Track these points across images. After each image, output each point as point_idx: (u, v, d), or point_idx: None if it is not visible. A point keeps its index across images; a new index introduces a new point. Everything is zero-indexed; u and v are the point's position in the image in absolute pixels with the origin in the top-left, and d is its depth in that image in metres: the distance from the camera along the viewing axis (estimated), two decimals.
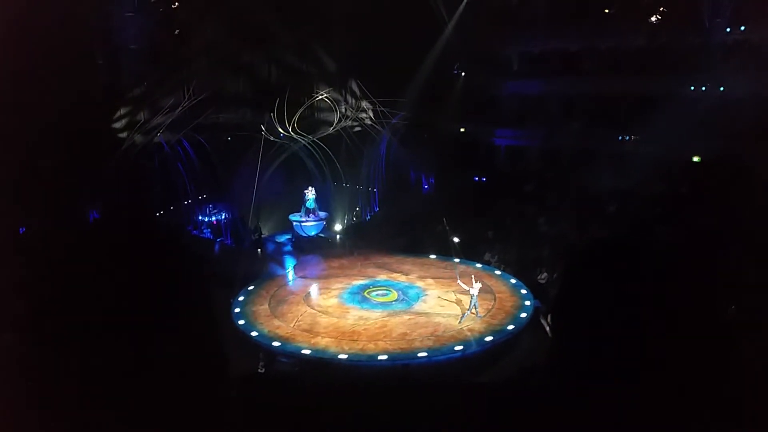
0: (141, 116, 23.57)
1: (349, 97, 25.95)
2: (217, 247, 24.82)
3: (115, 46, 23.08)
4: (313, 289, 20.73)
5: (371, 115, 26.43)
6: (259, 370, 15.44)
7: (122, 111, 23.23)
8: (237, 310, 18.83)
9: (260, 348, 16.53)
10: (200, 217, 26.80)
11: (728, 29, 23.79)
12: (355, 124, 26.29)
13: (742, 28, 23.63)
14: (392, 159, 27.94)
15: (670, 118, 24.40)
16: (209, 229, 26.52)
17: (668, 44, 24.99)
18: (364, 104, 25.94)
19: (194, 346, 14.40)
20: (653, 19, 25.66)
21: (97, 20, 22.24)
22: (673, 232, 20.79)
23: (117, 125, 22.87)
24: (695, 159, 24.50)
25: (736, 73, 23.41)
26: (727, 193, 21.50)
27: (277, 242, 25.81)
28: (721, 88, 24.01)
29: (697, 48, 24.30)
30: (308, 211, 25.54)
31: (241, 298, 19.74)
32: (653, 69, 25.47)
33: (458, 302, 18.84)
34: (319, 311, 18.69)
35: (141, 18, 23.19)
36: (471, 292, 17.50)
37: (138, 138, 23.39)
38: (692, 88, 24.63)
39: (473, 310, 17.58)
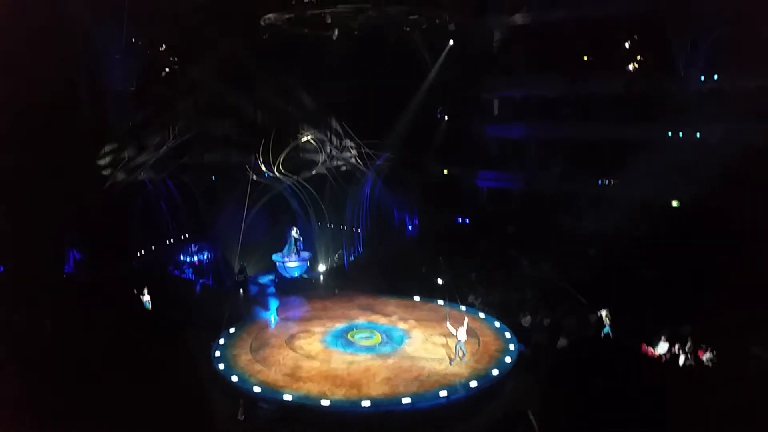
0: (125, 155, 23.52)
1: (333, 138, 26.20)
2: (198, 287, 24.50)
3: (100, 87, 23.19)
4: (294, 330, 20.44)
5: (356, 155, 26.64)
6: (239, 417, 15.12)
7: (106, 150, 23.17)
8: (217, 354, 18.49)
9: (240, 394, 16.18)
10: (182, 257, 26.51)
11: (702, 78, 24.56)
12: (340, 163, 26.45)
13: (716, 77, 24.42)
14: (376, 200, 28.07)
15: (648, 163, 25.04)
16: (191, 269, 26.22)
17: (645, 92, 25.71)
18: (349, 144, 26.18)
19: (174, 392, 14.08)
20: (630, 67, 26.38)
21: (83, 61, 22.39)
22: (652, 274, 21.22)
23: (101, 163, 22.78)
24: (674, 203, 24.98)
25: (711, 120, 24.12)
26: (706, 236, 22.00)
27: (259, 283, 25.54)
28: (698, 134, 24.65)
29: (673, 95, 25.02)
30: (292, 252, 25.44)
31: (222, 341, 19.40)
32: (631, 115, 26.14)
33: (444, 345, 18.71)
34: (302, 355, 18.42)
35: (128, 60, 23.39)
36: (458, 337, 17.39)
37: (121, 176, 23.29)
38: (669, 134, 25.25)
39: (460, 355, 17.44)
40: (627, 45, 26.78)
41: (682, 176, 24.32)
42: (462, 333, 17.31)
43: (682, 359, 16.37)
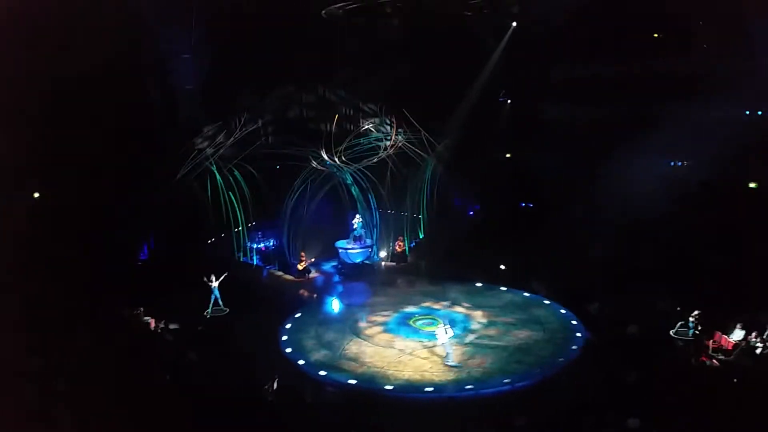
0: (195, 148, 24.46)
1: (395, 126, 26.20)
2: (265, 273, 25.32)
3: (170, 86, 24.23)
4: (361, 316, 20.83)
5: (416, 142, 26.58)
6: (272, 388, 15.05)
7: (177, 143, 24.19)
8: (284, 338, 19.09)
9: (306, 377, 16.67)
10: (249, 244, 27.39)
11: None
12: (400, 151, 26.47)
13: None
14: (438, 186, 28.00)
15: (723, 143, 23.79)
16: (258, 256, 27.10)
17: (722, 69, 24.38)
18: (409, 132, 26.15)
19: (241, 373, 14.65)
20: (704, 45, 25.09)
21: (152, 61, 23.44)
22: (724, 260, 20.22)
23: (172, 156, 23.81)
24: (752, 185, 23.69)
25: None
26: None
27: (323, 270, 26.10)
28: None
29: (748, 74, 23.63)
30: (355, 239, 25.80)
31: (288, 326, 20.01)
32: (705, 94, 24.84)
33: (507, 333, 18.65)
34: (365, 340, 18.76)
35: (196, 59, 24.27)
36: (441, 341, 17.06)
37: (191, 168, 24.26)
38: (747, 113, 23.90)
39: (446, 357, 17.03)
40: (700, 23, 25.44)
41: (760, 157, 23.07)
42: (443, 336, 16.96)
43: (759, 347, 15.64)
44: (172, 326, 19.16)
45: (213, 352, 17.02)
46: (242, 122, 24.87)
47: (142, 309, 18.94)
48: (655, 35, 27.51)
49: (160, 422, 11.77)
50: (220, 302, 21.02)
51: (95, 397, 11.90)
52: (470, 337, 18.65)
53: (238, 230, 26.28)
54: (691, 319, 17.27)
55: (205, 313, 20.71)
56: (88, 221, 19.95)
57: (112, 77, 20.27)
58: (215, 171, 24.78)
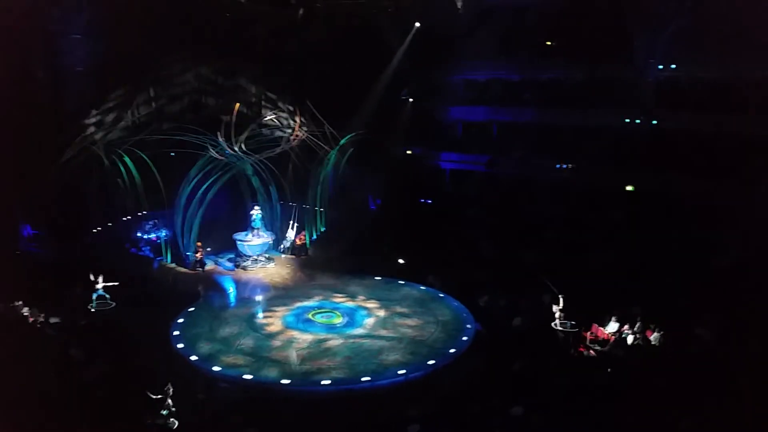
0: (82, 131, 22.93)
1: (297, 118, 25.94)
2: (155, 265, 24.17)
3: (59, 66, 22.57)
4: (258, 310, 20.51)
5: (320, 135, 26.50)
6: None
7: (62, 126, 22.55)
8: (176, 332, 18.40)
9: (200, 374, 16.18)
10: (139, 235, 26.05)
11: (660, 66, 25.22)
12: (303, 144, 26.25)
13: (673, 66, 25.12)
14: (340, 179, 28.09)
15: (604, 148, 25.78)
16: (148, 247, 25.78)
17: (604, 78, 26.32)
18: (313, 125, 26.02)
19: (134, 372, 13.98)
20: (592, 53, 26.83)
21: (40, 39, 21.73)
22: (606, 257, 21.96)
23: (57, 140, 22.17)
24: (628, 188, 25.76)
25: (667, 108, 24.92)
26: (658, 222, 22.88)
27: (219, 262, 25.33)
28: (654, 122, 25.38)
29: (631, 83, 25.69)
30: (253, 231, 25.22)
31: (180, 320, 19.29)
32: (590, 101, 26.71)
33: (401, 324, 19.09)
34: (263, 335, 18.49)
35: (88, 40, 22.73)
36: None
37: (77, 152, 22.72)
38: (626, 120, 25.92)
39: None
40: (589, 31, 27.17)
41: (636, 162, 25.17)
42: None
43: (630, 339, 17.06)
44: (52, 320, 17.85)
45: (98, 348, 16.08)
46: (135, 106, 23.62)
47: (20, 302, 17.52)
48: (548, 43, 29.05)
49: (42, 421, 11.07)
50: (107, 296, 19.75)
51: None
52: (367, 329, 18.90)
53: (127, 219, 24.92)
54: (555, 311, 18.37)
55: (88, 307, 19.40)
56: None
57: None
58: (102, 156, 23.31)
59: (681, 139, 24.07)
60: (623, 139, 25.87)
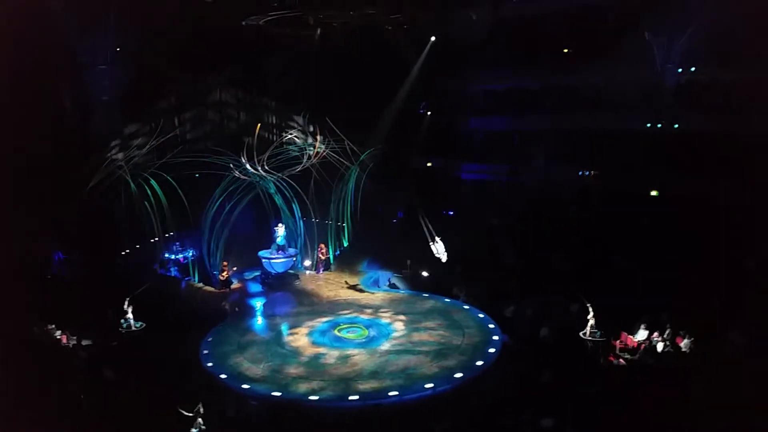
0: (108, 156, 23.53)
1: (318, 135, 26.25)
2: (183, 285, 24.53)
3: (86, 96, 23.29)
4: (285, 327, 20.67)
5: (340, 151, 26.75)
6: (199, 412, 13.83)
7: (89, 151, 23.19)
8: (206, 351, 18.63)
9: (229, 391, 16.35)
10: (167, 256, 26.49)
11: (680, 70, 24.96)
12: (323, 160, 26.52)
13: (693, 69, 24.85)
14: (361, 194, 28.26)
15: (627, 153, 25.49)
16: (176, 267, 26.19)
17: (624, 83, 26.10)
18: (333, 141, 26.29)
19: (165, 390, 14.21)
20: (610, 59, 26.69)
21: (68, 69, 22.46)
22: (632, 263, 21.66)
23: (84, 165, 22.79)
24: (653, 193, 25.43)
25: (689, 111, 24.60)
26: (685, 226, 22.49)
27: (246, 280, 25.59)
28: (676, 126, 25.08)
29: (651, 87, 25.45)
30: (278, 248, 25.45)
31: (209, 339, 19.53)
32: (610, 106, 26.52)
33: (427, 338, 19.04)
34: (289, 351, 18.62)
35: (113, 70, 23.44)
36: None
37: (104, 176, 23.30)
38: (648, 125, 25.64)
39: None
40: (607, 37, 27.04)
41: (660, 166, 24.86)
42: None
43: (660, 346, 16.79)
44: (84, 342, 18.22)
45: (130, 369, 16.36)
46: (158, 130, 24.17)
47: (53, 325, 17.92)
48: (566, 50, 28.98)
49: None
50: (135, 325, 20.03)
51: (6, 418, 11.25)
52: (393, 343, 18.90)
53: (155, 241, 25.36)
54: (590, 321, 18.14)
55: (119, 329, 19.77)
56: None
57: (24, 87, 19.18)
58: (129, 180, 23.84)
59: (704, 142, 23.70)
60: (646, 144, 25.57)
